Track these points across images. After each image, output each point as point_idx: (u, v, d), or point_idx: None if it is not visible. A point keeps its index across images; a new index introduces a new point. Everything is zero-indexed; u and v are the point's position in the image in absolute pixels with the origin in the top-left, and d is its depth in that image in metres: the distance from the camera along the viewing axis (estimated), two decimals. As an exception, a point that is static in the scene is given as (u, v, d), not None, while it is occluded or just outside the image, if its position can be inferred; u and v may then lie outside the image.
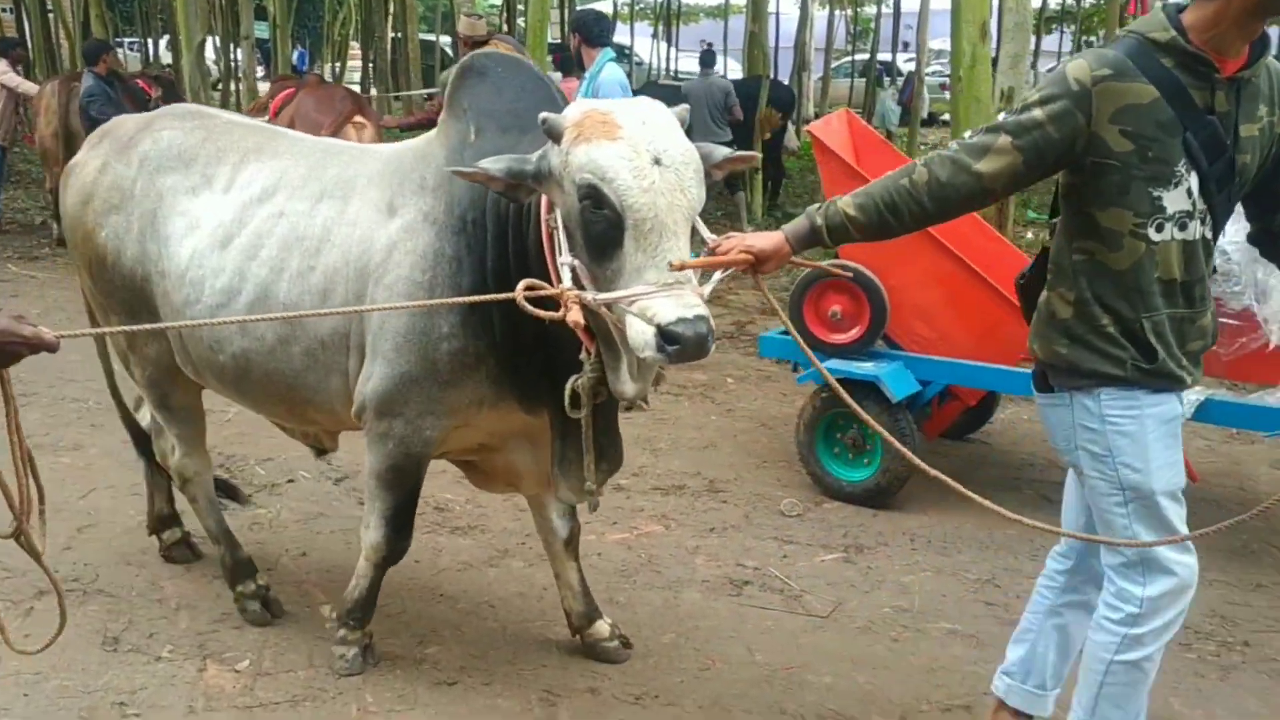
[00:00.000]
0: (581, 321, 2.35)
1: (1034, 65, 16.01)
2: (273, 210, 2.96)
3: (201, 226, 3.03)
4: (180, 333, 3.10)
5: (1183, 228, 2.32)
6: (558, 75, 9.84)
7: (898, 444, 2.55)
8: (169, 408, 3.39)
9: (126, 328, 2.87)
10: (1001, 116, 2.37)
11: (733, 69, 16.94)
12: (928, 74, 17.65)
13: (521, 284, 2.36)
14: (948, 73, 10.14)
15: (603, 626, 3.28)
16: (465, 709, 2.98)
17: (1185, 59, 2.25)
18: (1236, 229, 3.99)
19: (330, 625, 3.22)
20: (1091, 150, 2.28)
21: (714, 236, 2.47)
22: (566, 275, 2.41)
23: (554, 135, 2.37)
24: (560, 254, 2.42)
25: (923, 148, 16.03)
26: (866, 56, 20.96)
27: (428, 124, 8.06)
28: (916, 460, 2.54)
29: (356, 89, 16.17)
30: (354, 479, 4.65)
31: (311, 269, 2.86)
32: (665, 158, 2.31)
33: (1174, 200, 2.29)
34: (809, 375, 4.64)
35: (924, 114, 16.79)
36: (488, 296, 2.50)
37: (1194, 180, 2.29)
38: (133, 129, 3.28)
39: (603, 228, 2.30)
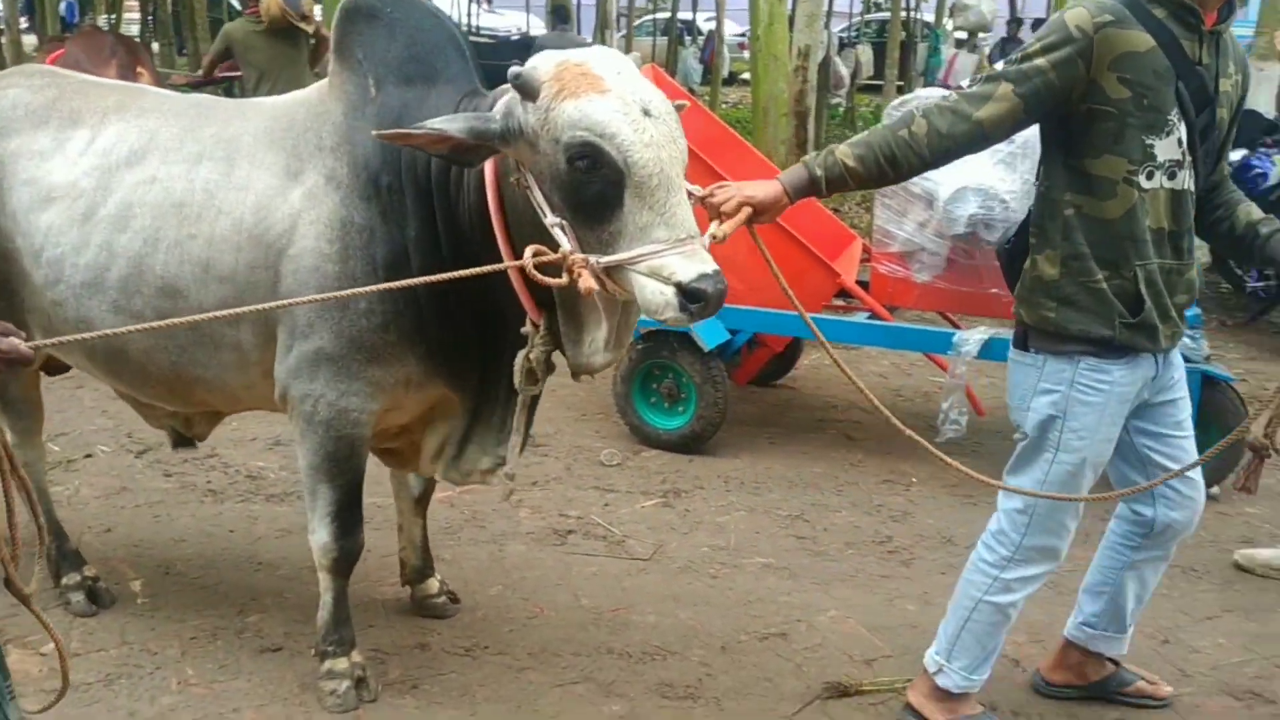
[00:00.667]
0: (595, 287, 2.15)
1: (827, 25, 16.55)
2: (143, 176, 2.65)
3: (56, 199, 2.72)
4: (47, 312, 2.79)
5: (1172, 177, 2.38)
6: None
7: (882, 408, 2.61)
8: (5, 398, 3.11)
9: (109, 330, 2.32)
10: (999, 66, 2.41)
11: (535, 26, 16.83)
12: (728, 34, 18.02)
13: (529, 250, 2.19)
14: (747, 32, 10.40)
15: (433, 583, 3.30)
16: (292, 674, 2.94)
17: (1176, 9, 2.33)
18: (1013, 179, 4.33)
19: (313, 659, 2.90)
20: (1089, 97, 2.32)
21: (698, 188, 2.37)
22: (563, 238, 2.18)
23: (528, 92, 2.17)
24: (546, 216, 2.21)
25: (724, 105, 16.39)
26: (668, 15, 21.17)
27: (220, 81, 7.70)
28: (900, 425, 2.61)
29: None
30: (156, 451, 4.46)
31: (192, 237, 2.59)
32: (652, 108, 2.16)
33: (1165, 149, 2.35)
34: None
35: (725, 73, 17.12)
36: (494, 267, 2.25)
37: (1183, 130, 2.36)
38: None
39: (599, 188, 2.12)
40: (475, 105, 2.44)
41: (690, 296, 2.09)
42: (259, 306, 2.35)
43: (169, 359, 2.73)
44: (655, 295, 2.11)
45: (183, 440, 3.22)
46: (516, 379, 2.45)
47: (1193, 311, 4.43)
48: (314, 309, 2.50)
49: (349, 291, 2.37)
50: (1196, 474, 2.68)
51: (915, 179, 4.41)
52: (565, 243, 2.18)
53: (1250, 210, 2.57)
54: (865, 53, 18.41)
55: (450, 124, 2.22)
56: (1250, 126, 6.96)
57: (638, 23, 22.30)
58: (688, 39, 21.00)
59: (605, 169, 2.11)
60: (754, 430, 4.94)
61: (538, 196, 2.22)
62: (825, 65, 15.50)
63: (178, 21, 19.06)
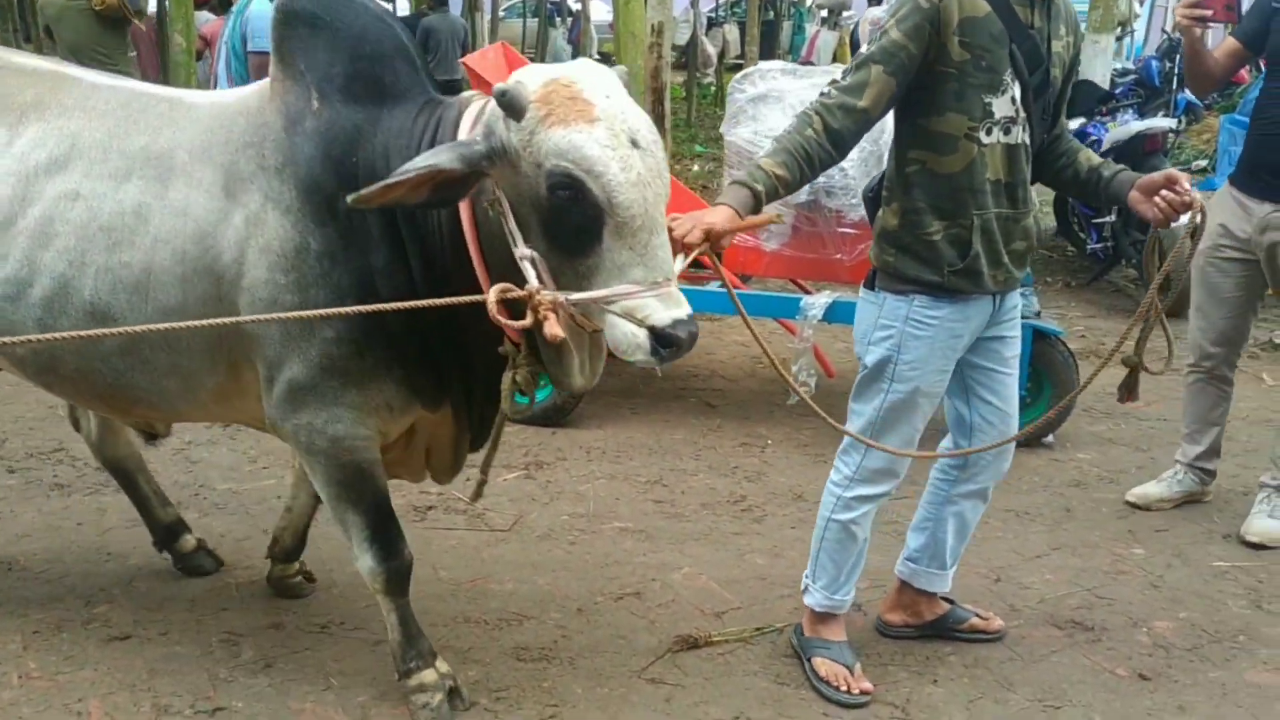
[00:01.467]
0: (560, 335, 2.06)
1: (695, 5, 16.71)
2: (65, 189, 2.46)
3: None
4: None
5: (1007, 132, 2.60)
6: (207, 15, 9.27)
7: (807, 398, 2.67)
8: None
9: (87, 332, 2.10)
10: (864, 49, 2.59)
11: (400, 6, 16.57)
12: (600, 15, 18.05)
13: (496, 288, 2.09)
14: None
15: (292, 566, 3.27)
16: (141, 661, 2.90)
17: None
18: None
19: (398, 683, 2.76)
20: (937, 60, 2.53)
21: None
22: (530, 272, 2.09)
23: (514, 111, 2.06)
24: (516, 247, 2.12)
25: (595, 86, 16.36)
26: (537, -4, 21.08)
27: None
28: (824, 414, 2.65)
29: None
30: None
31: (125, 265, 2.41)
32: (640, 138, 2.07)
33: (1001, 107, 2.57)
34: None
35: (593, 53, 17.15)
36: (453, 300, 2.14)
37: (1017, 89, 2.58)
38: None
39: (578, 221, 2.05)
40: (437, 118, 2.34)
41: (663, 341, 2.05)
42: (206, 323, 2.26)
43: (105, 380, 2.57)
44: (627, 337, 2.07)
45: (150, 435, 3.09)
46: (504, 402, 2.37)
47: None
48: (277, 342, 2.39)
49: (308, 314, 2.23)
50: (1012, 412, 2.89)
51: (758, 150, 4.56)
52: (532, 278, 2.09)
53: (1090, 156, 2.81)
54: (732, 31, 18.66)
55: (436, 158, 2.10)
56: (1085, 96, 7.33)
57: (508, 4, 22.13)
58: (558, 20, 20.92)
59: (587, 205, 2.04)
60: (617, 401, 5.02)
61: (511, 225, 2.14)
62: (693, 44, 15.71)
63: (20, 7, 18.21)
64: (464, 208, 2.24)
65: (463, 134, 2.25)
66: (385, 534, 2.64)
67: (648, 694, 2.84)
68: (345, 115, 2.35)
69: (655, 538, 3.71)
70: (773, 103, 4.44)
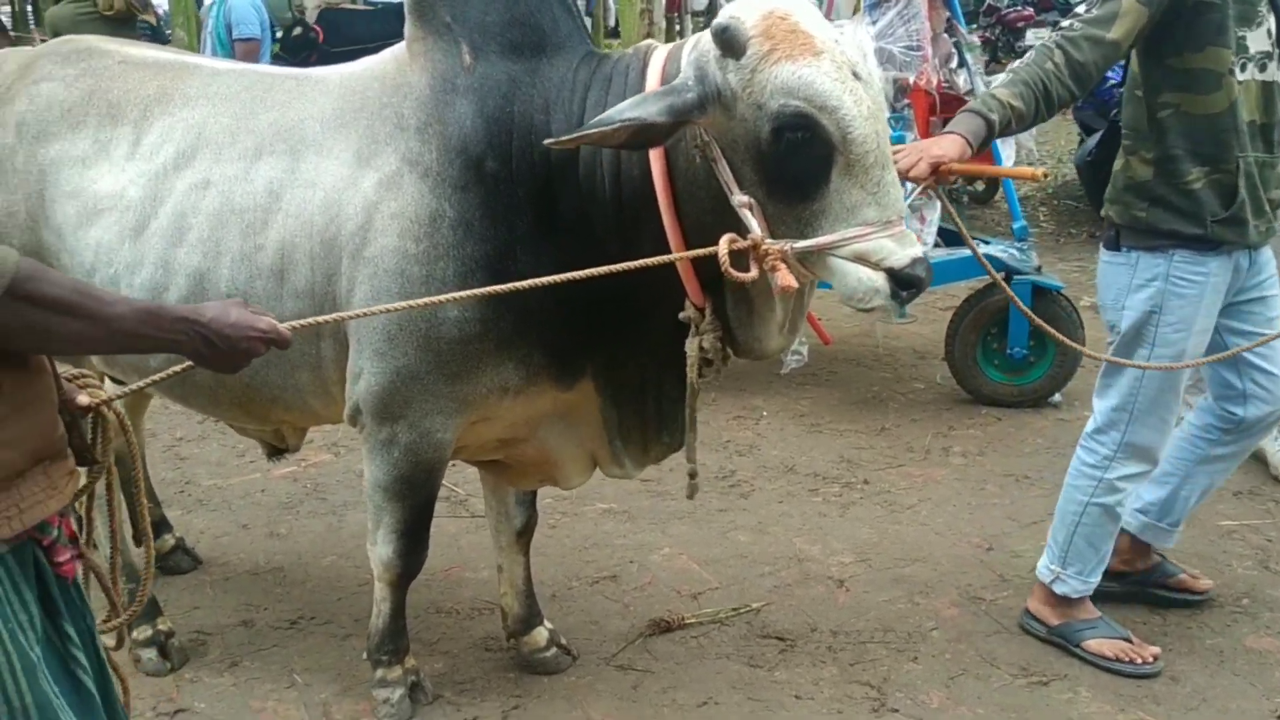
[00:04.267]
0: (795, 286, 1.92)
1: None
2: (195, 179, 2.34)
3: (103, 211, 2.40)
4: None
5: (1262, 69, 2.47)
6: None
7: (1066, 340, 2.63)
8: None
9: (379, 308, 2.05)
10: None
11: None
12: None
13: (726, 238, 1.94)
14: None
15: (541, 634, 2.83)
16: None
17: None
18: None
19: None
20: None
21: None
22: (752, 221, 1.94)
23: (734, 48, 1.91)
24: (733, 194, 1.96)
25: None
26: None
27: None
28: (1081, 349, 2.78)
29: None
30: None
31: (260, 248, 2.28)
32: (860, 69, 1.94)
33: (1256, 40, 2.44)
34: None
35: (610, 22, 16.97)
36: (678, 255, 2.02)
37: (1271, 21, 2.46)
38: (11, 74, 2.55)
39: (807, 162, 1.90)
40: (606, 72, 2.17)
41: (903, 283, 1.92)
42: (378, 309, 2.05)
43: (241, 382, 2.40)
44: (864, 282, 1.93)
45: (275, 451, 2.90)
46: (690, 372, 2.18)
47: (1020, 224, 4.51)
48: (395, 324, 2.20)
49: (486, 290, 1.99)
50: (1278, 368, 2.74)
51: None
52: (754, 226, 1.95)
53: None
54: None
55: (642, 108, 1.93)
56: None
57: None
58: (578, -9, 20.70)
59: (818, 144, 1.89)
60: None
61: (724, 171, 1.98)
62: (713, 9, 15.47)
63: (35, 19, 18.41)
64: (656, 157, 2.06)
65: (651, 84, 2.08)
66: (417, 530, 2.49)
67: (615, 681, 2.76)
68: (502, 69, 2.18)
69: (637, 518, 3.62)
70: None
